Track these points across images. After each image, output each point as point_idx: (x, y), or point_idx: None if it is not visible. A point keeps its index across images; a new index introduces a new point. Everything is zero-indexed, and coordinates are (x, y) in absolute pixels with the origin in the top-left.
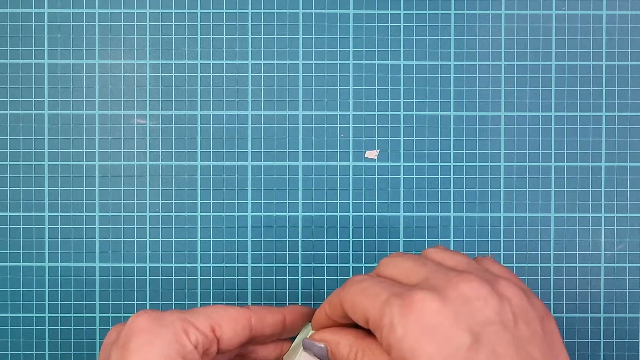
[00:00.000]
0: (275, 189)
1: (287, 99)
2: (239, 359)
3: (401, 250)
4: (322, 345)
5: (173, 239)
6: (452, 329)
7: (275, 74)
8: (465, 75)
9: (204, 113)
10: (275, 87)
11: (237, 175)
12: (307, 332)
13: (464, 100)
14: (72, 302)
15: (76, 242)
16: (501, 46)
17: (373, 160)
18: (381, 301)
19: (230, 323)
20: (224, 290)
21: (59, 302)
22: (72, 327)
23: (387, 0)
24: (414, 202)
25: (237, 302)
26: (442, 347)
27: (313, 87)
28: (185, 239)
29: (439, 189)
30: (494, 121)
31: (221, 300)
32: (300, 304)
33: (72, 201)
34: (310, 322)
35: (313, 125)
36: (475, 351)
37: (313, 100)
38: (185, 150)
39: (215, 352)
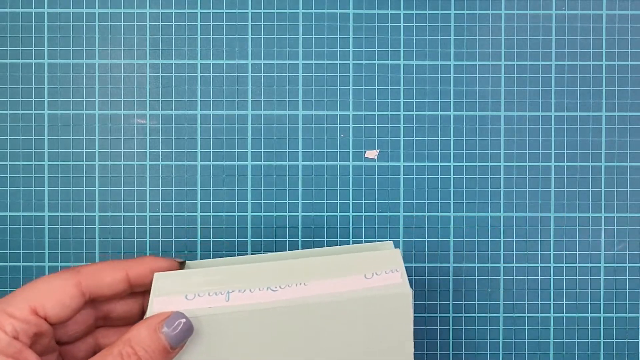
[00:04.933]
0: (275, 189)
1: (287, 99)
2: (102, 321)
3: (401, 249)
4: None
5: (173, 239)
6: None
7: (275, 74)
8: (465, 75)
9: (204, 113)
10: (275, 87)
11: (237, 175)
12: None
13: (464, 100)
14: None
15: (76, 242)
16: (501, 46)
17: (373, 160)
18: None
19: (54, 297)
20: None
21: None
22: None
23: (387, 0)
24: (414, 202)
25: None
26: None
27: (313, 87)
28: (186, 239)
29: (439, 189)
30: (494, 121)
31: None
32: (148, 254)
33: (72, 201)
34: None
35: (313, 125)
36: None
37: (313, 100)
38: (185, 150)
39: (52, 332)
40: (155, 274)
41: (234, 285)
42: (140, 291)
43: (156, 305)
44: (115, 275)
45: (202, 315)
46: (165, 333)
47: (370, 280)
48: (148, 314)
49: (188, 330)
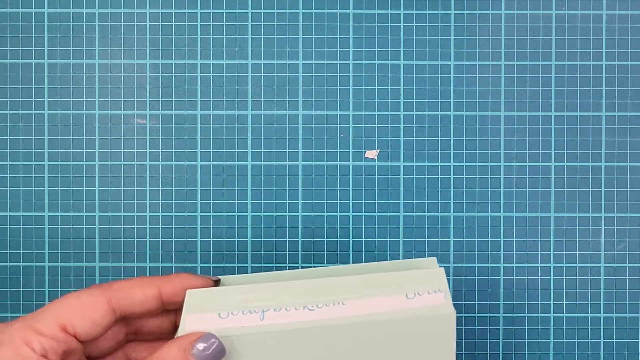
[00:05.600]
0: (275, 189)
1: (287, 99)
2: (133, 336)
3: (401, 249)
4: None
5: (173, 239)
6: None
7: (275, 74)
8: (465, 75)
9: (204, 113)
10: (275, 87)
11: (237, 175)
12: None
13: (464, 100)
14: None
15: (76, 242)
16: (501, 46)
17: (373, 160)
18: None
19: (83, 314)
20: None
21: None
22: None
23: (387, 0)
24: (414, 202)
25: None
26: None
27: (313, 87)
28: (185, 239)
29: (439, 189)
30: (494, 121)
31: None
32: (184, 272)
33: (72, 201)
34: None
35: (313, 125)
36: None
37: (313, 100)
38: (185, 150)
39: (81, 349)
40: (188, 291)
41: (269, 303)
42: (173, 309)
43: (188, 323)
44: (147, 292)
45: (236, 335)
46: (196, 355)
47: (412, 301)
48: (179, 332)
49: (220, 352)
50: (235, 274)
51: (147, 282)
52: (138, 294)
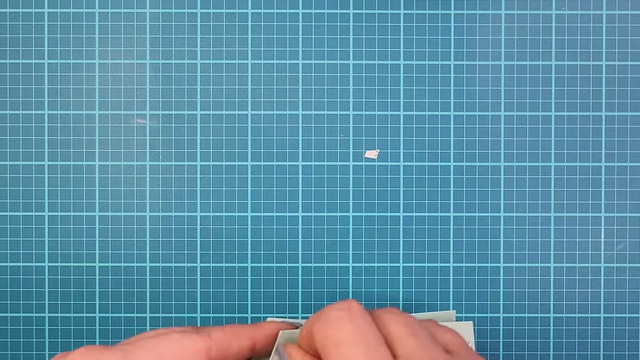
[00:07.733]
0: (275, 189)
1: (287, 99)
2: None
3: (401, 249)
4: None
5: (173, 239)
6: None
7: (275, 74)
8: (465, 75)
9: (204, 113)
10: (275, 87)
11: (237, 175)
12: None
13: (464, 100)
14: (72, 302)
15: (76, 242)
16: (501, 46)
17: (373, 160)
18: None
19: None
20: (223, 290)
21: (59, 302)
22: (72, 327)
23: (387, 0)
24: (414, 202)
25: (237, 302)
26: None
27: (313, 87)
28: (185, 239)
29: (439, 189)
30: (494, 121)
31: (221, 299)
32: (277, 321)
33: (72, 201)
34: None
35: (313, 125)
36: None
37: (313, 100)
38: (185, 150)
39: None
40: (281, 332)
41: None
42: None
43: None
44: (243, 345)
45: None
46: None
47: None
48: None
49: None
50: (235, 274)
51: (243, 334)
52: (235, 346)
